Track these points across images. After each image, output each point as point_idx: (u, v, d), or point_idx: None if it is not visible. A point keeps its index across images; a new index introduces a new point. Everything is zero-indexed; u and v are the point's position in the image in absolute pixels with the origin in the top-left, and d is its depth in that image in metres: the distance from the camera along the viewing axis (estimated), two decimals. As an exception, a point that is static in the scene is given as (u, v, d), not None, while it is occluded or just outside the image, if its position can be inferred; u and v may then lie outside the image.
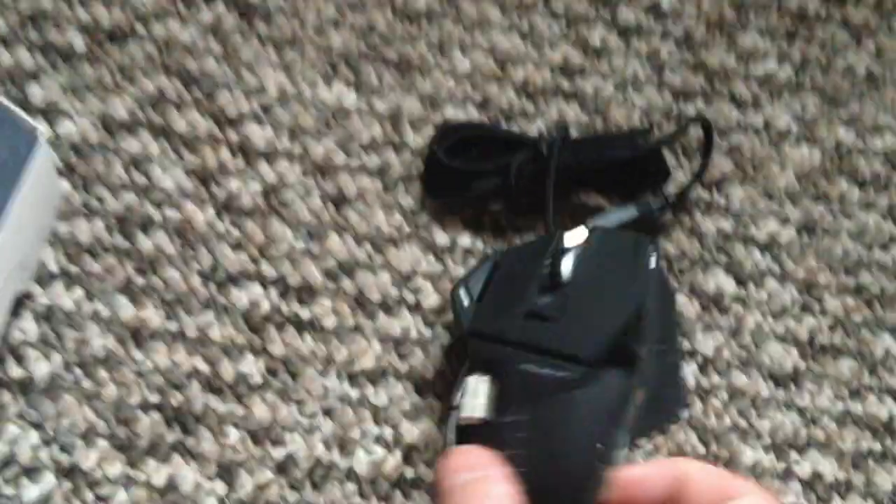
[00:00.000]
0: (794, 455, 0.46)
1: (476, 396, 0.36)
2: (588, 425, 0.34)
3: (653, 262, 0.39)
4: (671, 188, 0.49)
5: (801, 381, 0.47)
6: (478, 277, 0.42)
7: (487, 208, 0.48)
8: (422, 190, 0.48)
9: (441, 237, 0.47)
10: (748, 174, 0.51)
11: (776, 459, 0.45)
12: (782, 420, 0.46)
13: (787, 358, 0.47)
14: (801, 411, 0.46)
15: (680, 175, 0.50)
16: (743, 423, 0.46)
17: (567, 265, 0.39)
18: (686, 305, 0.47)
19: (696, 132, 0.50)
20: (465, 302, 0.41)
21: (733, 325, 0.47)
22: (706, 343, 0.47)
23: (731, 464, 0.45)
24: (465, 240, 0.48)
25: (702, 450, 0.45)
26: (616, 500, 0.32)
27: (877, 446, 0.46)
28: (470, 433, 0.36)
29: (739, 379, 0.47)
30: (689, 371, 0.46)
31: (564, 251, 0.40)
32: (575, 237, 0.41)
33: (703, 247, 0.49)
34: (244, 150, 0.48)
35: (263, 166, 0.48)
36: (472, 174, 0.47)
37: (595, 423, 0.34)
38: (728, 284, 0.48)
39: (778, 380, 0.47)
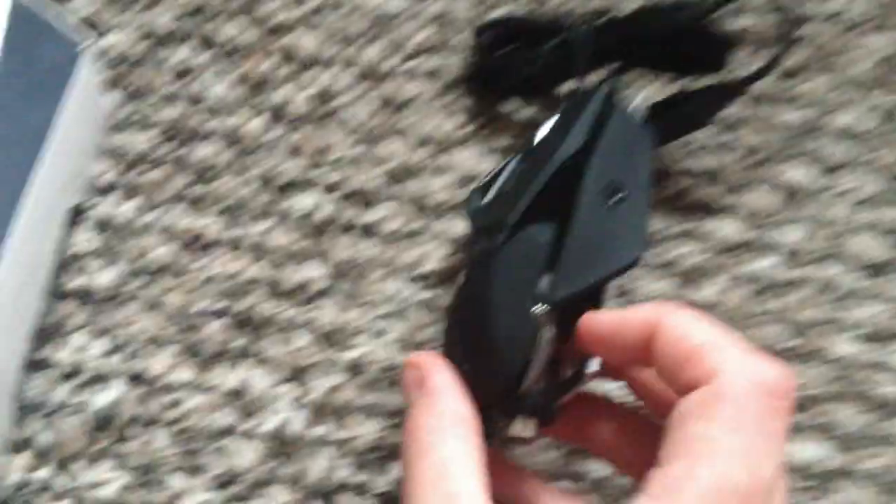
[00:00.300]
0: (885, 346, 0.48)
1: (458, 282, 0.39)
2: (507, 282, 0.35)
3: (604, 106, 0.39)
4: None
5: (889, 270, 0.49)
6: (493, 178, 0.44)
7: (530, 96, 0.51)
8: (479, 90, 0.51)
9: (501, 138, 0.50)
10: (827, 62, 0.53)
11: (867, 351, 0.48)
12: (872, 311, 0.48)
13: (874, 248, 0.49)
14: (891, 301, 0.48)
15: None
16: (831, 315, 0.48)
17: (540, 134, 0.42)
18: (768, 198, 0.50)
19: (770, 18, 0.53)
20: (474, 204, 0.43)
21: (817, 216, 0.50)
22: (790, 236, 0.49)
23: (819, 357, 0.47)
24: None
25: (790, 344, 0.47)
26: (589, 348, 0.33)
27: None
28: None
29: (826, 271, 0.49)
30: (770, 264, 0.49)
31: (545, 121, 0.42)
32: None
33: (783, 138, 0.51)
34: (292, 58, 0.51)
35: (314, 73, 0.51)
36: (513, 64, 0.49)
37: (516, 279, 0.35)
38: (810, 175, 0.51)
39: (866, 270, 0.49)
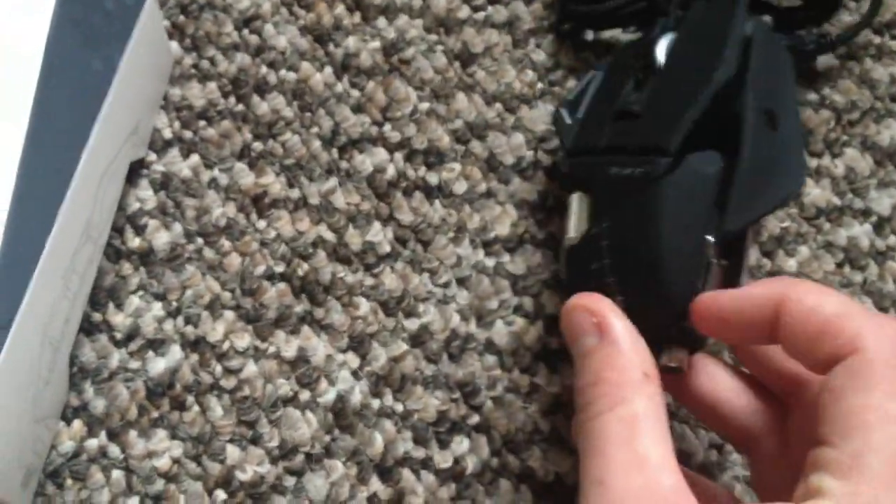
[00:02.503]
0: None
1: (575, 215, 0.35)
2: (677, 214, 0.31)
3: (749, 29, 0.34)
4: (835, 30, 0.45)
5: None
6: (580, 94, 0.39)
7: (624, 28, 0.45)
8: (555, 44, 0.45)
9: (578, 94, 0.44)
10: (924, 15, 0.47)
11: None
12: (969, 285, 0.42)
13: (973, 217, 0.43)
14: None
15: (847, 18, 0.46)
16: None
17: (661, 52, 0.36)
18: (858, 161, 0.44)
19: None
20: (568, 120, 0.38)
21: (911, 180, 0.44)
22: (881, 201, 0.43)
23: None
24: (604, 96, 0.44)
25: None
26: (706, 329, 0.31)
27: None
28: (573, 254, 0.35)
29: (919, 242, 0.43)
30: (863, 231, 0.43)
31: (657, 37, 0.37)
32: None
33: (876, 96, 0.45)
34: (361, 6, 0.46)
35: (382, 22, 0.45)
36: None
37: (686, 210, 0.31)
38: (903, 137, 0.44)
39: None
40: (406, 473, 0.39)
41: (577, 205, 0.35)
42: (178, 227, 0.41)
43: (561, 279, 0.41)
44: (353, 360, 0.40)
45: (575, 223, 0.35)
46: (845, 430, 0.25)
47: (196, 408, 0.39)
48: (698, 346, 0.32)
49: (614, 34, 0.46)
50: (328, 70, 0.44)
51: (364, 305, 0.40)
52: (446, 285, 0.41)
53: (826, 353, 0.26)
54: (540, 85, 0.45)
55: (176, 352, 0.39)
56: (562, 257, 0.36)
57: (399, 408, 0.39)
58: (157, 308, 0.40)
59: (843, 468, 0.25)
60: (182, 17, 0.44)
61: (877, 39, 0.46)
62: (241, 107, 0.43)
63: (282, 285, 0.40)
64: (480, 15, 0.46)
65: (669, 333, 0.31)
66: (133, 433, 0.38)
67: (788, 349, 0.28)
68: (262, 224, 0.41)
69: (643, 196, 0.32)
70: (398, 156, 0.43)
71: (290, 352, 0.39)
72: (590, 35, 0.46)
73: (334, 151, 0.43)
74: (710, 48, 0.34)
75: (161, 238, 0.41)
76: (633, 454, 0.26)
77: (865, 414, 0.25)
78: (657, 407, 0.27)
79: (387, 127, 0.44)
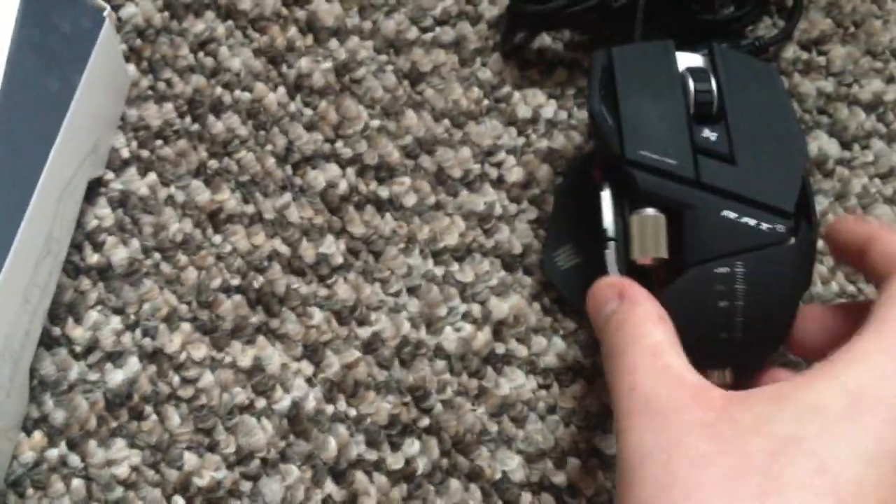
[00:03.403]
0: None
1: (653, 235, 0.34)
2: (795, 279, 0.34)
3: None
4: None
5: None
6: (602, 89, 0.37)
7: (576, 28, 0.45)
8: (500, 61, 0.45)
9: (523, 109, 0.44)
10: (848, 31, 0.47)
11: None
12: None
13: (897, 221, 0.43)
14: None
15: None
16: (851, 288, 0.42)
17: (707, 88, 0.36)
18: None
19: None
20: (609, 121, 0.36)
21: (838, 188, 0.44)
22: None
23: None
24: (548, 111, 0.45)
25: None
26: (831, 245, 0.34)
27: None
28: (642, 272, 0.34)
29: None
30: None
31: (702, 74, 0.37)
32: (687, 59, 0.37)
33: (804, 109, 0.45)
34: (313, 28, 0.45)
35: (333, 44, 0.45)
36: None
37: (800, 276, 0.34)
38: (831, 147, 0.45)
39: None
40: (359, 475, 0.38)
41: (649, 224, 0.35)
42: (135, 243, 0.40)
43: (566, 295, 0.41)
44: (307, 367, 0.39)
45: (646, 242, 0.35)
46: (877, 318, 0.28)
47: (154, 417, 0.38)
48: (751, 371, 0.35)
49: (557, 51, 0.46)
50: (281, 90, 0.44)
51: (318, 315, 0.40)
52: (397, 294, 0.41)
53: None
54: (486, 101, 0.45)
55: (134, 363, 0.38)
56: (612, 265, 0.36)
57: (352, 412, 0.39)
58: (116, 321, 0.39)
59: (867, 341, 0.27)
60: (139, 41, 0.44)
61: (804, 55, 0.46)
62: (196, 126, 0.43)
63: (237, 297, 0.40)
64: (429, 36, 0.46)
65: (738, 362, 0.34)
66: (92, 443, 0.37)
67: (870, 279, 0.31)
68: (217, 239, 0.41)
69: (773, 254, 0.33)
70: (350, 171, 0.43)
71: (245, 361, 0.39)
72: (536, 43, 0.46)
73: (288, 168, 0.42)
74: (774, 110, 0.36)
75: (119, 254, 0.40)
76: (659, 365, 0.28)
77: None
78: (674, 337, 0.30)
79: (339, 144, 0.43)
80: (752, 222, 0.34)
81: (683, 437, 0.26)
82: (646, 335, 0.29)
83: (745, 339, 0.34)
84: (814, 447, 0.25)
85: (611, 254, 0.35)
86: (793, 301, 0.34)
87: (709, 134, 0.36)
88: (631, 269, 0.35)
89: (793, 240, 0.34)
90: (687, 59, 0.38)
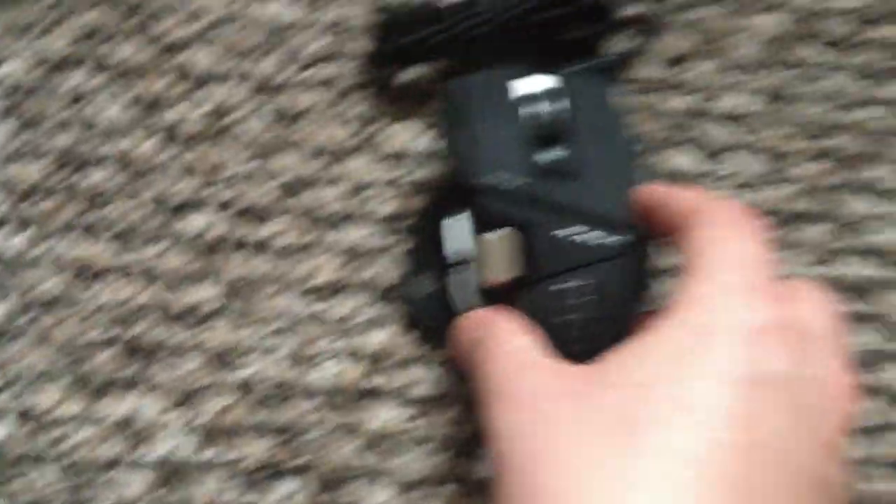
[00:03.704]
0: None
1: (502, 256, 0.35)
2: (638, 288, 0.35)
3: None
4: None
5: (773, 249, 0.43)
6: (449, 119, 0.38)
7: (436, 60, 0.45)
8: (373, 97, 0.45)
9: (395, 143, 0.45)
10: (710, 48, 0.47)
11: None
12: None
13: (759, 230, 0.44)
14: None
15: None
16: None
17: (545, 110, 0.37)
18: (650, 187, 0.44)
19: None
20: (454, 148, 0.37)
21: (701, 202, 0.44)
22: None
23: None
24: (420, 143, 0.45)
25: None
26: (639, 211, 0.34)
27: (854, 308, 0.43)
28: (496, 293, 0.35)
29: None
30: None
31: (538, 97, 0.37)
32: (531, 83, 0.38)
33: (667, 126, 0.45)
34: (187, 75, 0.45)
35: (208, 89, 0.45)
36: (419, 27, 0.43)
37: (642, 284, 0.35)
38: (695, 161, 0.45)
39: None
40: (236, 519, 0.38)
41: (498, 245, 0.35)
42: (11, 301, 0.40)
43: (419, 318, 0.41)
44: (181, 415, 0.39)
45: (497, 263, 0.35)
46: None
47: (28, 476, 0.38)
48: None
49: (429, 82, 0.46)
50: (155, 138, 0.44)
51: (192, 362, 0.40)
52: (272, 335, 0.41)
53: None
54: (359, 138, 0.45)
55: (10, 422, 0.38)
56: (458, 289, 0.36)
57: (227, 456, 0.39)
58: (-8, 381, 0.39)
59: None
60: (16, 96, 0.44)
61: (666, 73, 0.47)
62: (72, 180, 0.43)
63: (112, 350, 0.40)
64: (302, 76, 0.46)
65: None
66: (-32, 505, 0.37)
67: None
68: (92, 292, 0.41)
69: (619, 265, 0.34)
70: (224, 215, 0.43)
71: (119, 414, 0.39)
72: (409, 76, 0.46)
73: (162, 216, 0.42)
74: (610, 125, 0.37)
75: (-6, 313, 0.40)
76: (523, 360, 0.29)
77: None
78: (540, 344, 0.30)
79: (213, 188, 0.43)
80: (595, 236, 0.35)
81: (546, 408, 0.27)
82: (510, 341, 0.30)
83: (596, 349, 0.34)
84: (668, 385, 0.26)
85: (465, 278, 0.36)
86: (638, 303, 0.35)
87: (550, 154, 0.37)
88: (486, 294, 0.36)
89: (635, 250, 0.35)
90: (528, 83, 0.38)
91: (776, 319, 0.27)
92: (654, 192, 0.34)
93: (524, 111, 0.37)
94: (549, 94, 0.38)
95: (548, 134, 0.37)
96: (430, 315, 0.40)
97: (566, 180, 0.36)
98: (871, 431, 0.41)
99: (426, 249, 0.41)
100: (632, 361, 0.27)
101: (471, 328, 0.33)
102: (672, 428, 0.24)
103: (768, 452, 0.25)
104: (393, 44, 0.44)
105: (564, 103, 0.38)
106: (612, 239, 0.35)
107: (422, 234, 0.42)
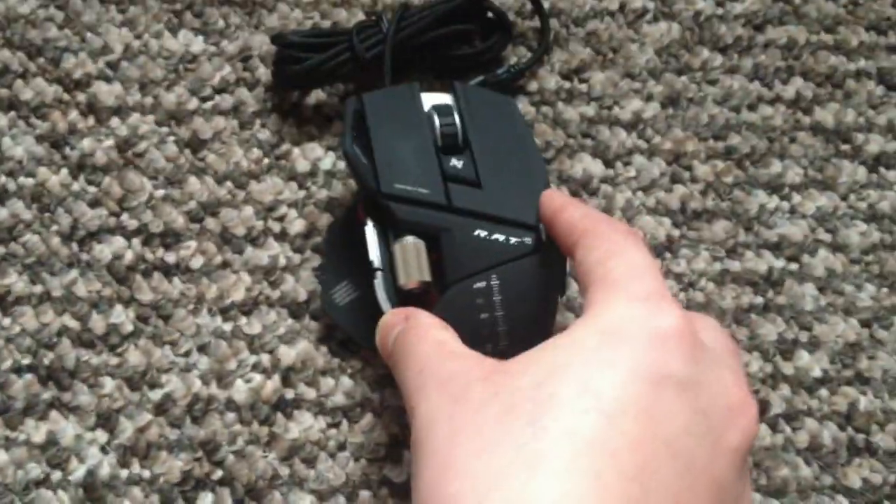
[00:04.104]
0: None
1: (415, 261, 0.39)
2: (547, 284, 0.39)
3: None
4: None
5: (676, 248, 0.48)
6: (355, 131, 0.42)
7: (337, 82, 0.50)
8: (279, 121, 0.49)
9: (302, 164, 0.48)
10: (607, 58, 0.52)
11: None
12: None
13: (659, 228, 0.48)
14: (678, 277, 0.47)
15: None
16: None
17: (439, 123, 0.42)
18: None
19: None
20: (363, 160, 0.40)
21: (603, 204, 0.48)
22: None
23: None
24: (326, 163, 0.49)
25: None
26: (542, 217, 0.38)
27: (758, 300, 0.47)
28: (413, 297, 0.39)
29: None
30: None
31: (446, 110, 0.42)
32: (433, 98, 0.43)
33: (568, 134, 0.50)
34: (94, 110, 0.49)
35: (115, 121, 0.49)
36: (319, 49, 0.47)
37: (551, 281, 0.39)
38: (595, 167, 0.49)
39: (653, 250, 0.48)
40: (158, 534, 0.41)
41: (410, 251, 0.39)
42: (-76, 336, 0.43)
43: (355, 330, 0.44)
44: (101, 436, 0.42)
45: (410, 268, 0.39)
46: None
47: (-52, 501, 0.40)
48: None
49: (332, 104, 0.50)
50: (64, 172, 0.47)
51: (109, 384, 0.43)
52: (187, 354, 0.44)
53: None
54: (266, 160, 0.49)
55: (-73, 452, 0.41)
56: (381, 294, 0.40)
57: (146, 474, 0.42)
58: None
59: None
60: (-82, 140, 0.47)
61: (566, 84, 0.51)
62: (-18, 216, 0.46)
63: (29, 376, 0.43)
64: (208, 104, 0.50)
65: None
66: None
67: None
68: (7, 321, 0.44)
69: (524, 264, 0.38)
70: (136, 241, 0.46)
71: (39, 437, 0.42)
72: (312, 99, 0.50)
73: (74, 245, 0.46)
74: (513, 136, 0.42)
75: None
76: (444, 351, 0.32)
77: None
78: (457, 339, 0.33)
79: (124, 216, 0.47)
80: (502, 238, 0.39)
81: (464, 392, 0.30)
82: (430, 336, 0.33)
83: (511, 346, 0.38)
84: (576, 373, 0.28)
85: (379, 283, 0.40)
86: (549, 304, 0.39)
87: (456, 163, 0.41)
88: (404, 297, 0.39)
89: (540, 250, 0.39)
90: (433, 98, 0.43)
91: (675, 326, 0.28)
92: (553, 201, 0.37)
93: (436, 121, 0.42)
94: (441, 109, 0.42)
95: (454, 144, 0.42)
96: (354, 322, 0.43)
97: (472, 187, 0.41)
98: (786, 418, 0.45)
99: (343, 258, 0.45)
100: (543, 355, 0.29)
101: (394, 323, 0.35)
102: (576, 412, 0.27)
103: (666, 449, 0.27)
104: (291, 69, 0.48)
105: (470, 114, 0.42)
106: (524, 238, 0.39)
107: (338, 244, 0.46)
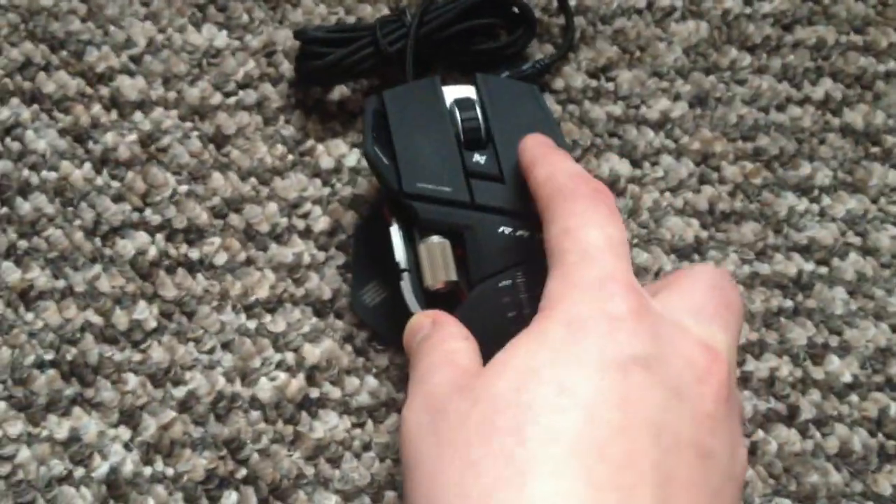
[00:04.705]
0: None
1: (441, 260, 0.39)
2: None
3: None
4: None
5: (704, 250, 0.48)
6: (375, 131, 0.42)
7: (360, 77, 0.49)
8: (303, 117, 0.49)
9: (326, 160, 0.48)
10: (634, 56, 0.52)
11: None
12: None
13: (687, 230, 0.48)
14: (706, 279, 0.47)
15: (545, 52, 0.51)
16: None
17: (461, 118, 0.42)
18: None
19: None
20: (385, 161, 0.40)
21: (631, 205, 0.48)
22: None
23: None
24: (351, 159, 0.49)
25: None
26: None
27: (788, 303, 0.47)
28: (441, 296, 0.39)
29: (641, 256, 0.47)
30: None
31: (467, 104, 0.42)
32: (456, 91, 0.43)
33: (595, 133, 0.50)
34: (117, 104, 0.49)
35: (138, 116, 0.49)
36: (342, 44, 0.47)
37: None
38: (622, 167, 0.49)
39: (680, 252, 0.48)
40: (182, 532, 0.41)
41: (437, 251, 0.39)
42: (-54, 330, 0.43)
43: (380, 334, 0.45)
44: (124, 433, 0.42)
45: (436, 268, 0.39)
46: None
47: (-29, 497, 0.40)
48: None
49: (356, 100, 0.50)
50: (87, 166, 0.47)
51: (133, 380, 0.43)
52: (211, 351, 0.44)
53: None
54: (290, 157, 0.48)
55: (-51, 447, 0.41)
56: (409, 295, 0.40)
57: (169, 472, 0.42)
58: (-70, 408, 0.42)
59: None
60: (-59, 132, 0.47)
61: (593, 83, 0.51)
62: (4, 209, 0.46)
63: (52, 371, 0.43)
64: (232, 100, 0.50)
65: None
66: None
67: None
68: (29, 316, 0.44)
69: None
70: (159, 237, 0.46)
71: (62, 433, 0.42)
72: (335, 95, 0.50)
73: (97, 240, 0.46)
74: (538, 128, 0.40)
75: (-70, 342, 0.43)
76: (449, 360, 0.32)
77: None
78: (476, 354, 0.33)
79: (147, 212, 0.47)
80: (526, 234, 0.39)
81: (444, 404, 0.29)
82: (446, 344, 0.33)
83: None
84: (550, 374, 0.28)
85: (406, 284, 0.39)
86: None
87: (479, 158, 0.41)
88: (431, 297, 0.39)
89: None
90: (455, 92, 0.43)
91: (627, 308, 0.29)
92: (526, 152, 0.37)
93: (457, 116, 0.42)
94: (463, 104, 0.42)
95: (477, 139, 0.41)
96: (384, 323, 0.43)
97: (495, 182, 0.41)
98: (816, 424, 0.45)
99: (371, 258, 0.45)
100: (516, 355, 0.29)
101: (420, 327, 0.35)
102: (555, 411, 0.27)
103: (650, 430, 0.27)
104: (313, 65, 0.48)
105: (493, 107, 0.42)
106: (540, 235, 0.39)
107: (365, 243, 0.46)
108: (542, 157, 0.35)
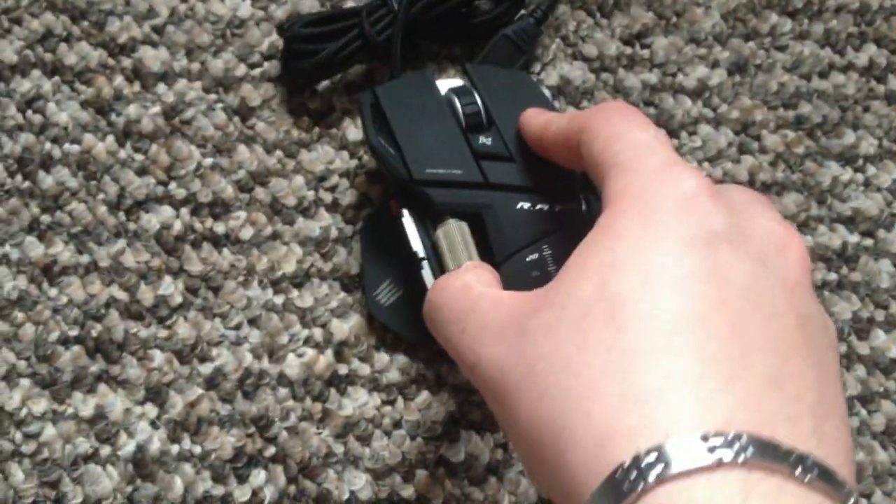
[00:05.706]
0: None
1: (461, 243, 0.38)
2: None
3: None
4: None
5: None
6: (376, 124, 0.42)
7: (349, 69, 0.49)
8: (329, 89, 0.49)
9: (353, 133, 0.48)
10: (670, 22, 0.51)
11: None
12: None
13: (727, 201, 0.47)
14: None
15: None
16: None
17: (459, 106, 0.41)
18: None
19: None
20: (391, 150, 0.40)
21: (667, 176, 0.47)
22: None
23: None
24: (379, 132, 0.48)
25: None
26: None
27: (832, 276, 0.46)
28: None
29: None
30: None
31: (464, 91, 0.42)
32: (447, 83, 0.43)
33: (630, 102, 0.49)
34: (140, 75, 0.48)
35: (161, 88, 0.48)
36: (328, 38, 0.47)
37: None
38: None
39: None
40: (210, 511, 0.41)
41: (456, 234, 0.39)
42: (-30, 306, 0.43)
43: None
44: (150, 410, 0.42)
45: (457, 252, 0.38)
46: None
47: (4, 472, 0.40)
48: None
49: (385, 71, 0.49)
50: (110, 139, 0.47)
51: (159, 357, 0.43)
52: (238, 327, 0.44)
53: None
54: (316, 129, 0.48)
55: (-26, 424, 0.41)
56: (430, 283, 0.39)
57: (197, 450, 0.42)
58: (-46, 385, 0.42)
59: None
60: (-38, 106, 0.47)
61: (628, 50, 0.50)
62: (27, 183, 0.46)
63: (76, 348, 0.43)
64: (257, 71, 0.49)
65: None
66: (-65, 508, 0.40)
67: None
68: (53, 292, 0.44)
69: (572, 230, 0.36)
70: (184, 211, 0.46)
71: (87, 411, 0.42)
72: (361, 67, 0.49)
73: (121, 214, 0.45)
74: (523, 97, 0.41)
75: (-47, 318, 0.43)
76: (487, 294, 0.32)
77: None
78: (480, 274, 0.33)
79: (172, 185, 0.46)
80: (546, 207, 0.39)
81: (524, 324, 0.29)
82: (456, 285, 0.33)
83: None
84: (633, 263, 0.27)
85: (427, 273, 0.39)
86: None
87: (485, 140, 0.41)
88: None
89: (585, 212, 0.39)
90: (447, 83, 0.43)
91: (698, 185, 0.29)
92: (535, 120, 0.37)
93: (457, 103, 0.42)
94: (460, 91, 0.42)
95: (479, 123, 0.41)
96: (402, 321, 0.43)
97: (505, 162, 0.40)
98: (861, 400, 0.45)
99: (381, 258, 0.44)
100: (588, 258, 0.28)
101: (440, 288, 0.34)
102: (648, 295, 0.26)
103: (747, 301, 0.26)
104: (301, 64, 0.47)
105: (488, 92, 0.42)
106: (561, 207, 0.39)
107: (373, 243, 0.45)
108: (551, 116, 0.36)
